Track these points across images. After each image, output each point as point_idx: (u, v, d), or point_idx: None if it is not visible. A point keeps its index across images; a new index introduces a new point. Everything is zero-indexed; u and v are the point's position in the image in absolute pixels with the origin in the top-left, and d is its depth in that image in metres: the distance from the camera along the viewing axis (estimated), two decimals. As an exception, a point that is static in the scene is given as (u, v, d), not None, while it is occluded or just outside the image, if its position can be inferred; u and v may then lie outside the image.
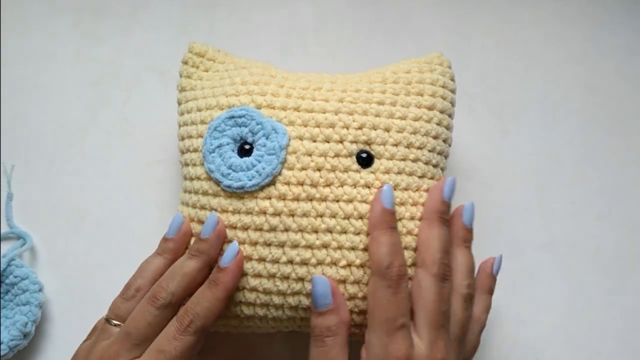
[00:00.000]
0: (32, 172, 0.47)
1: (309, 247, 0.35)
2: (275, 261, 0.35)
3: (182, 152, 0.40)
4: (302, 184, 0.36)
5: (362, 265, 0.35)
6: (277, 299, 0.36)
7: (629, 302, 0.46)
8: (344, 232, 0.35)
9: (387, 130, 0.37)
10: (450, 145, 0.40)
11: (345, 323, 0.34)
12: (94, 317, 0.38)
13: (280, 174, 0.36)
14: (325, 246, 0.35)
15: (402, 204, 0.36)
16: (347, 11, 0.51)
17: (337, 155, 0.36)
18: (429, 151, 0.38)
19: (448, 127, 0.39)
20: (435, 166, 0.38)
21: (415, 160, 0.37)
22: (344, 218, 0.35)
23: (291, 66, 0.49)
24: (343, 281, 0.35)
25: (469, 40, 0.50)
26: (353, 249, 0.35)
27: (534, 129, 0.49)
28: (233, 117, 0.37)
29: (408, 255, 0.36)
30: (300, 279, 0.35)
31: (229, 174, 0.36)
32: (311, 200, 0.35)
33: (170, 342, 0.33)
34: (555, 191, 0.47)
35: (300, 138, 0.36)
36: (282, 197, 0.35)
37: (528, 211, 0.47)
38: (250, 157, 0.36)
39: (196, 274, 0.35)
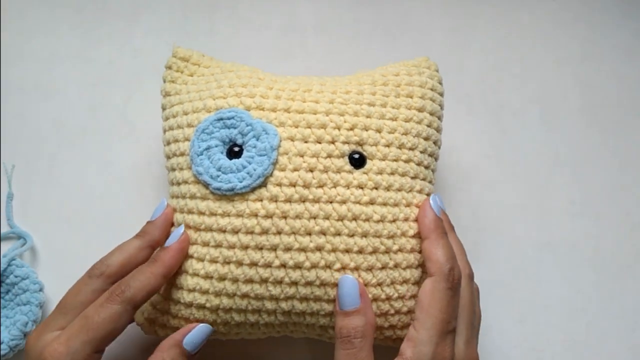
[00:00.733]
0: (32, 172, 0.47)
1: (303, 249, 0.35)
2: (268, 265, 0.35)
3: (168, 157, 0.39)
4: (294, 185, 0.35)
5: (356, 268, 0.35)
6: (269, 305, 0.35)
7: (629, 302, 0.46)
8: (338, 234, 0.35)
9: (379, 131, 0.37)
10: (439, 148, 0.40)
11: (372, 325, 0.34)
12: (93, 316, 0.38)
13: (271, 175, 0.35)
14: (319, 249, 0.35)
15: (395, 205, 0.36)
16: (347, 11, 0.51)
17: (329, 156, 0.35)
18: (421, 152, 0.37)
19: (438, 129, 0.39)
20: (426, 168, 0.38)
21: (407, 161, 0.37)
22: (337, 220, 0.35)
23: (291, 66, 0.49)
24: (337, 284, 0.35)
25: (469, 40, 0.50)
26: (347, 251, 0.35)
27: (533, 129, 0.49)
28: (222, 119, 0.36)
29: (402, 257, 0.36)
30: (294, 283, 0.35)
31: (218, 176, 0.35)
32: (304, 201, 0.35)
33: (96, 309, 0.33)
34: (554, 191, 0.47)
35: (292, 139, 0.36)
36: (274, 199, 0.35)
37: (528, 211, 0.47)
38: (241, 159, 0.35)
39: (136, 252, 0.36)
